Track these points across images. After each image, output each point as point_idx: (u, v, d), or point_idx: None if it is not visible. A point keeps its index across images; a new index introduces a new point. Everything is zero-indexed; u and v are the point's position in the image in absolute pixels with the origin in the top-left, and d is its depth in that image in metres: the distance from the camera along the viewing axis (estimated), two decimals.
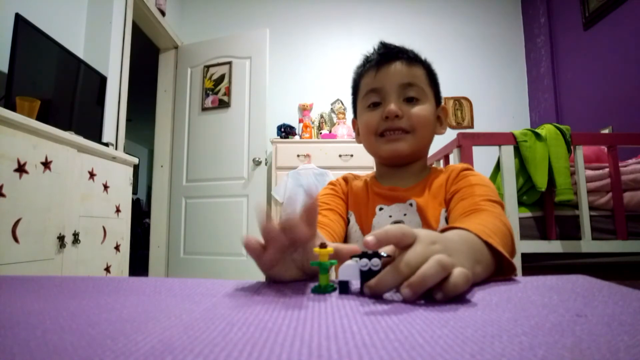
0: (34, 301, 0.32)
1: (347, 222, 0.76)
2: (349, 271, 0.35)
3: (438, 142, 2.07)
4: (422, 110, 0.71)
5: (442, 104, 0.78)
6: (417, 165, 0.76)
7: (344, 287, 0.36)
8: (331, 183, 0.82)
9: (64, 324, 0.25)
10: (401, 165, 0.75)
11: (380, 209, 0.73)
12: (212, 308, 0.30)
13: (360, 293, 0.35)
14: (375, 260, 0.34)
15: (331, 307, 0.31)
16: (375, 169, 0.83)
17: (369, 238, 0.34)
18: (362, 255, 0.35)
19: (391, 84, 0.70)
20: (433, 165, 0.80)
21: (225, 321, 0.26)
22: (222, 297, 0.34)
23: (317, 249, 0.36)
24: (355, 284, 0.37)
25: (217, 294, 0.35)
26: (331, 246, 0.39)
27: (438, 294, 0.32)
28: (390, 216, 0.71)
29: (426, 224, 0.69)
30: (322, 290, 0.36)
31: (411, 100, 0.71)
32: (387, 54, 0.72)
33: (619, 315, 0.26)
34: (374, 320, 0.26)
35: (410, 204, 0.71)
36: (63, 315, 0.27)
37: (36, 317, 0.27)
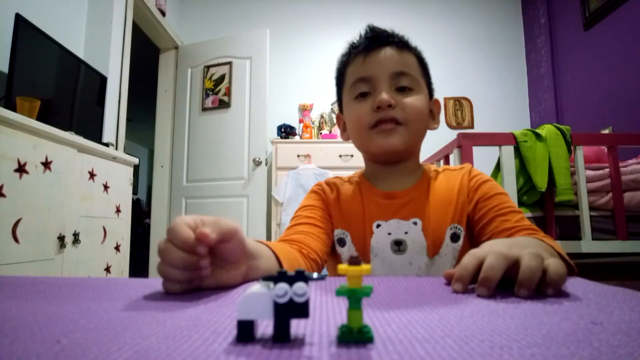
0: (12, 305, 0.31)
1: (343, 243, 0.68)
2: (256, 304, 0.22)
3: (438, 143, 2.07)
4: (417, 100, 0.64)
5: (435, 97, 0.72)
6: (411, 163, 0.70)
7: (245, 331, 0.22)
8: (314, 192, 0.73)
9: (36, 331, 0.23)
10: (393, 163, 0.69)
11: (378, 225, 0.65)
12: (200, 314, 0.28)
13: (279, 339, 0.22)
14: (300, 287, 0.22)
15: (326, 312, 0.30)
16: (365, 167, 0.75)
17: (457, 286, 0.36)
18: (277, 277, 0.22)
19: (382, 71, 0.63)
20: (433, 166, 0.75)
21: (211, 329, 0.24)
22: (212, 302, 0.32)
23: (343, 266, 0.23)
24: (265, 326, 0.25)
25: (208, 299, 0.34)
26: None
27: (548, 289, 0.33)
28: (390, 234, 0.64)
29: (432, 244, 0.64)
30: (354, 337, 0.22)
31: (403, 90, 0.64)
32: (376, 38, 0.65)
33: (636, 322, 0.25)
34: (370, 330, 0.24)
35: (415, 223, 0.64)
36: (38, 322, 0.26)
37: (9, 323, 0.25)
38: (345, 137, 0.73)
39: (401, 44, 0.66)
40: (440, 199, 0.66)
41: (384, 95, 0.62)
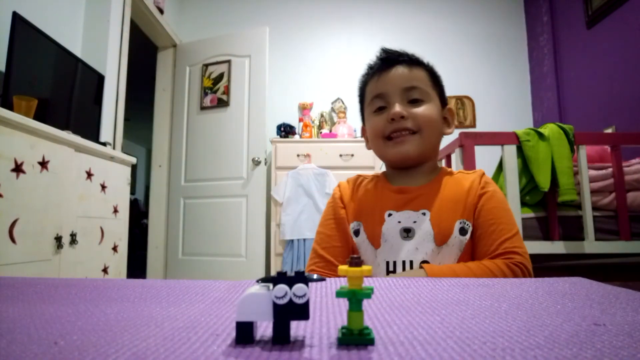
0: (9, 306, 0.31)
1: (357, 233, 0.75)
2: (255, 305, 0.22)
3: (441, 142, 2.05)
4: (426, 110, 0.72)
5: (448, 105, 0.80)
6: (427, 166, 0.77)
7: (244, 333, 0.22)
8: (330, 202, 0.81)
9: (33, 333, 0.23)
10: (410, 167, 0.76)
11: (389, 214, 0.72)
12: (198, 316, 0.28)
13: (278, 341, 0.22)
14: (300, 288, 0.21)
15: (326, 314, 0.29)
16: (384, 171, 0.84)
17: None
18: (276, 278, 0.22)
19: (394, 87, 0.73)
20: (450, 169, 0.83)
21: (210, 331, 0.24)
22: (210, 303, 0.33)
23: (344, 267, 0.23)
24: (264, 327, 0.25)
25: (206, 300, 0.34)
26: None
27: None
28: (399, 222, 0.71)
29: (440, 233, 0.69)
30: (355, 339, 0.22)
31: (415, 102, 0.73)
32: (387, 59, 0.75)
33: (639, 324, 0.25)
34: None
35: (423, 213, 0.70)
36: (35, 324, 0.26)
37: (7, 324, 0.26)
38: (369, 147, 0.82)
39: (411, 62, 0.75)
40: (451, 195, 0.72)
41: (397, 108, 0.71)
